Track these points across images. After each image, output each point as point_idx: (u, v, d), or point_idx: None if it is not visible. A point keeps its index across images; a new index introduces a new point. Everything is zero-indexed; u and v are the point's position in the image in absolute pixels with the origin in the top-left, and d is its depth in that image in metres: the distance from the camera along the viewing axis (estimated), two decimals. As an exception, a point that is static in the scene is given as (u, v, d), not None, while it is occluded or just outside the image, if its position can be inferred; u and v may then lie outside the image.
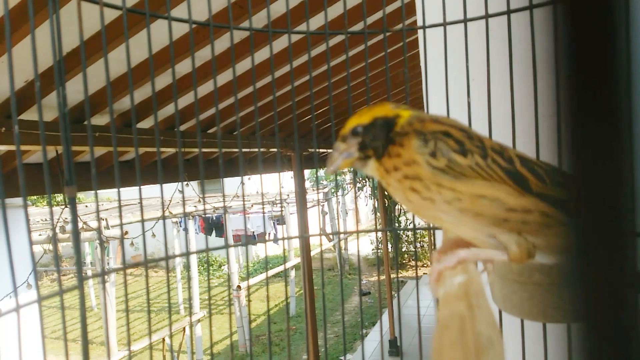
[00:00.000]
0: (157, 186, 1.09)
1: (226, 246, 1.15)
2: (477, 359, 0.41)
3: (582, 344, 0.26)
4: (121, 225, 0.94)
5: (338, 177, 14.48)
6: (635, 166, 0.27)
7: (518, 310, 0.86)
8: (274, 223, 11.70)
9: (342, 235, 10.51)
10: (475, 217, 0.65)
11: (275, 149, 5.55)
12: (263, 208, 11.25)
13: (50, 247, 6.19)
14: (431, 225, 1.19)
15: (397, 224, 12.69)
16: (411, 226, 1.19)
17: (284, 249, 1.49)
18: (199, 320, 8.06)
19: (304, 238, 4.29)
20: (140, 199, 1.03)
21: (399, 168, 0.70)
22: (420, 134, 0.69)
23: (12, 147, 2.97)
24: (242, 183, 1.28)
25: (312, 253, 6.98)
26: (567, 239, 0.68)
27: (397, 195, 0.71)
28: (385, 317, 8.18)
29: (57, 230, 5.22)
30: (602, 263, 0.26)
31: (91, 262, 12.15)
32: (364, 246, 15.09)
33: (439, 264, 0.69)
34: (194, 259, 9.56)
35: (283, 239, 1.24)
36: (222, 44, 3.16)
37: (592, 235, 0.26)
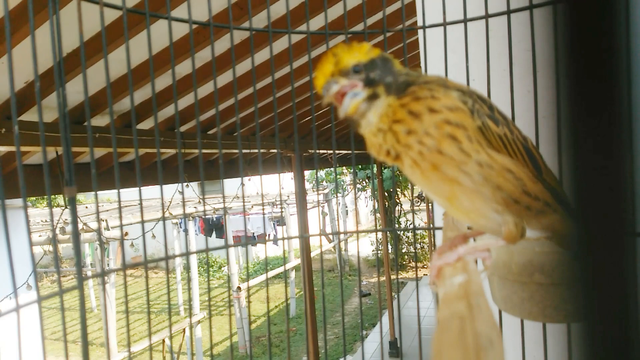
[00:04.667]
0: (157, 187, 1.09)
1: (226, 246, 1.15)
2: (477, 359, 0.41)
3: (582, 344, 0.26)
4: (121, 226, 0.94)
5: (338, 178, 14.50)
6: (635, 166, 0.27)
7: (518, 310, 0.86)
8: (274, 224, 11.70)
9: (342, 236, 10.52)
10: (494, 190, 0.64)
11: (275, 150, 5.55)
12: (263, 209, 11.25)
13: (50, 248, 6.18)
14: (430, 225, 1.19)
15: (397, 225, 12.69)
16: (411, 227, 1.19)
17: (284, 250, 1.48)
18: (199, 322, 8.05)
19: (304, 239, 4.29)
20: (140, 200, 1.03)
21: (439, 111, 0.62)
22: (456, 89, 0.64)
23: (12, 148, 2.97)
24: (242, 184, 1.28)
25: (312, 254, 6.98)
26: (556, 223, 0.70)
27: (423, 143, 0.62)
28: (386, 318, 8.17)
29: (57, 231, 5.22)
30: (602, 263, 0.26)
31: (91, 263, 12.15)
32: (364, 247, 15.09)
33: (439, 260, 0.69)
34: (194, 260, 9.56)
35: (283, 239, 1.24)
36: (223, 44, 3.16)
37: (592, 235, 0.26)
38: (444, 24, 1.05)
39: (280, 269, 10.74)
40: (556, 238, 0.73)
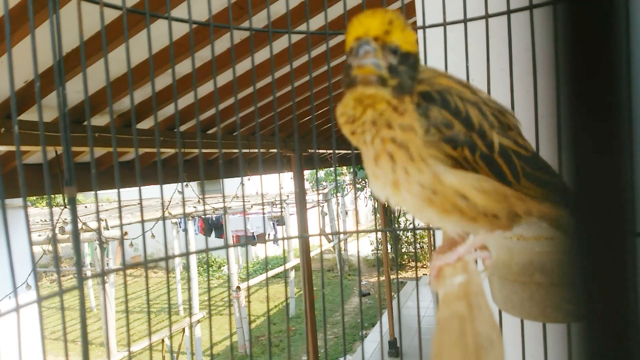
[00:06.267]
0: (156, 187, 1.09)
1: (226, 246, 1.15)
2: (477, 359, 0.41)
3: (582, 344, 0.26)
4: (121, 225, 0.94)
5: (338, 178, 14.49)
6: (635, 166, 0.27)
7: (518, 310, 0.86)
8: (273, 224, 11.70)
9: (341, 236, 10.52)
10: (443, 213, 0.63)
11: (275, 150, 5.55)
12: (263, 209, 11.25)
13: (49, 247, 6.18)
14: (431, 225, 1.19)
15: (396, 225, 12.68)
16: (411, 227, 1.19)
17: (284, 250, 1.48)
18: (198, 321, 8.05)
19: (304, 239, 4.29)
20: (140, 199, 1.03)
21: (392, 127, 0.61)
22: (419, 105, 0.62)
23: (12, 148, 2.97)
24: (242, 184, 1.28)
25: (312, 254, 6.97)
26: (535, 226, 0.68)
27: (366, 151, 0.63)
28: (385, 318, 8.18)
29: (57, 231, 5.21)
30: (602, 263, 0.26)
31: (90, 263, 12.14)
32: (363, 247, 15.08)
33: (439, 261, 0.69)
34: (193, 260, 9.55)
35: (283, 239, 1.24)
36: (222, 44, 3.16)
37: (593, 235, 0.26)
38: (444, 24, 1.05)
39: (280, 269, 10.73)
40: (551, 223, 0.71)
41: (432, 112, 0.62)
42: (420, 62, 0.66)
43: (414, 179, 0.61)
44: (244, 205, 1.27)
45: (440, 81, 0.65)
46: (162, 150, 4.21)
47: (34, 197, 12.78)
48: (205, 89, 3.78)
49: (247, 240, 10.79)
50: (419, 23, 1.17)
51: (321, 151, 7.08)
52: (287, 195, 11.58)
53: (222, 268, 14.63)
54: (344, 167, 14.69)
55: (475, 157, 0.62)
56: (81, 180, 3.58)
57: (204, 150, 4.78)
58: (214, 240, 11.73)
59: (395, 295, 8.21)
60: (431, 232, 1.32)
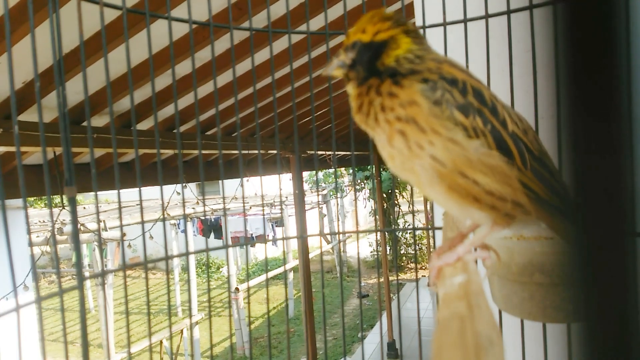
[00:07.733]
0: (154, 188, 1.09)
1: (225, 246, 1.15)
2: (477, 359, 0.41)
3: (582, 344, 0.26)
4: (121, 226, 0.94)
5: (337, 180, 14.50)
6: (635, 166, 0.27)
7: (518, 310, 0.86)
8: (272, 225, 11.69)
9: (341, 237, 10.52)
10: (449, 191, 0.63)
11: (274, 151, 5.55)
12: (262, 210, 11.25)
13: (47, 248, 6.18)
14: (429, 225, 1.19)
15: (395, 226, 12.68)
16: (410, 228, 1.19)
17: (284, 251, 1.48)
18: (197, 323, 8.04)
19: (302, 240, 4.28)
20: (140, 200, 1.03)
21: (393, 108, 0.64)
22: (428, 80, 0.64)
23: (11, 148, 2.96)
24: (242, 185, 1.28)
25: (311, 255, 6.97)
26: (530, 224, 0.67)
27: (379, 136, 0.66)
28: (384, 319, 8.17)
29: (55, 232, 5.20)
30: (602, 263, 0.26)
31: (89, 264, 12.12)
32: (362, 248, 15.07)
33: (439, 261, 0.69)
34: (192, 261, 9.54)
35: (282, 239, 1.24)
36: (222, 44, 3.16)
37: (593, 235, 0.26)
38: (444, 24, 1.05)
39: (279, 270, 10.72)
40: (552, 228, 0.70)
41: (440, 85, 0.63)
42: (384, 47, 0.69)
43: (427, 152, 0.62)
44: (243, 206, 1.27)
45: (449, 70, 0.66)
46: (162, 151, 4.21)
47: (32, 198, 12.76)
48: (205, 89, 3.78)
49: (247, 241, 10.79)
50: (419, 23, 1.17)
51: (321, 152, 7.09)
52: (287, 197, 11.58)
53: (221, 269, 14.62)
54: (343, 169, 14.69)
55: (486, 129, 0.62)
56: (80, 180, 3.57)
57: (203, 151, 4.78)
58: (213, 242, 11.72)
59: (394, 297, 8.21)
60: (429, 233, 1.32)
